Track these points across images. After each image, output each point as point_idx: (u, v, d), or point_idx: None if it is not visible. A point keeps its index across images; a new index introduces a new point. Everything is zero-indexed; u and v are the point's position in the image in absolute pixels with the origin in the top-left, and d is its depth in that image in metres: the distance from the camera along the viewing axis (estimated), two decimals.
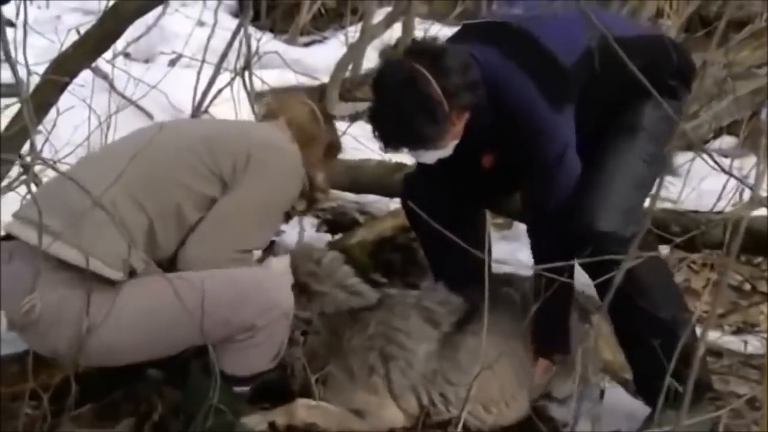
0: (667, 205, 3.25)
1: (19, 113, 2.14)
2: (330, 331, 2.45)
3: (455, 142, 2.37)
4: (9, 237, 2.13)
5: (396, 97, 2.27)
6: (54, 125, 2.73)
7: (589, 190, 2.38)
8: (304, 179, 2.34)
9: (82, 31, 2.59)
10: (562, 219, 2.35)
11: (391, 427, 2.44)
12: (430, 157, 2.40)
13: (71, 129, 3.14)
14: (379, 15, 4.84)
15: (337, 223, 3.56)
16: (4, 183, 2.24)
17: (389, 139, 2.32)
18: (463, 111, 2.30)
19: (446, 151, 2.38)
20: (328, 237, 3.43)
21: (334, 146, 2.49)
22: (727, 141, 4.30)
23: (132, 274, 2.08)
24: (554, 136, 2.34)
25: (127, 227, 2.06)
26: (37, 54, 3.38)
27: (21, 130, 2.18)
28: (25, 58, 2.05)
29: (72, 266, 2.01)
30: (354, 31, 5.02)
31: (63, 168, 2.05)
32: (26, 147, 2.43)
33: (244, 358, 2.14)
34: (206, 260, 2.14)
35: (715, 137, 4.29)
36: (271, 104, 2.53)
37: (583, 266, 2.29)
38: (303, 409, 2.38)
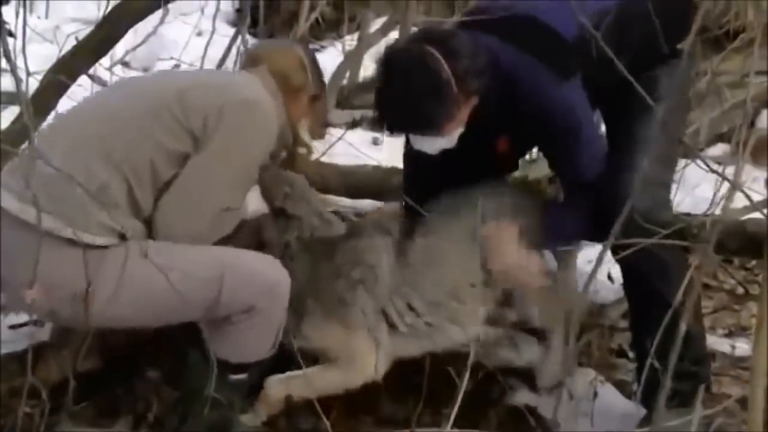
0: None
1: (20, 115, 2.16)
2: (306, 257, 2.41)
3: (459, 131, 2.33)
4: None
5: (405, 77, 2.23)
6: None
7: (617, 174, 2.35)
8: (285, 132, 2.28)
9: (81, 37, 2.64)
10: (594, 191, 2.34)
11: (362, 378, 2.38)
12: (433, 145, 2.35)
13: None
14: (376, 24, 4.87)
15: None
16: None
17: (395, 120, 2.29)
18: (471, 96, 2.27)
19: (450, 140, 2.34)
20: None
21: (319, 98, 2.41)
22: (721, 148, 4.33)
23: (122, 238, 2.04)
24: (566, 108, 2.29)
25: (108, 190, 2.02)
26: (37, 62, 3.40)
27: (21, 130, 2.20)
28: (25, 60, 2.06)
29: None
30: (351, 40, 5.04)
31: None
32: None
33: (242, 343, 2.14)
34: (183, 225, 2.10)
35: (710, 144, 4.32)
36: (256, 50, 2.42)
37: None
38: (274, 387, 2.35)
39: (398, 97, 2.24)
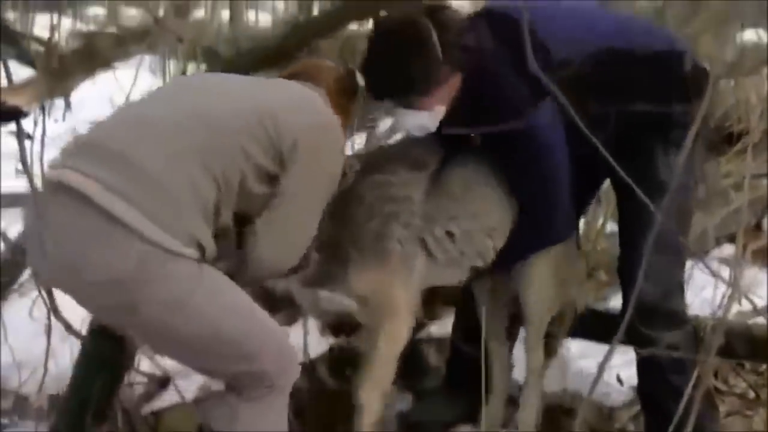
0: None
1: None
2: (339, 203, 2.37)
3: (440, 109, 2.38)
4: None
5: (392, 39, 2.31)
6: None
7: (624, 261, 2.43)
8: None
9: None
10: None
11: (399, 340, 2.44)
12: (416, 121, 2.42)
13: None
14: None
15: (341, 325, 3.57)
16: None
17: (380, 82, 2.34)
18: (455, 71, 2.31)
19: (432, 118, 2.39)
20: (331, 340, 3.43)
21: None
22: (728, 249, 4.32)
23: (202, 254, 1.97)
24: (531, 123, 2.32)
25: (202, 199, 1.95)
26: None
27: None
28: (42, 168, 2.10)
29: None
30: None
31: None
32: None
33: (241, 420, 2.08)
34: (282, 257, 2.15)
35: (717, 244, 4.32)
36: (310, 69, 2.39)
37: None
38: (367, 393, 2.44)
39: (384, 57, 2.31)
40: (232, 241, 2.11)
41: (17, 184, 4.18)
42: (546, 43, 2.29)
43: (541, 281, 2.66)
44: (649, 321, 2.31)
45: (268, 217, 2.10)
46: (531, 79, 2.23)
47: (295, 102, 2.19)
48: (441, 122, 2.44)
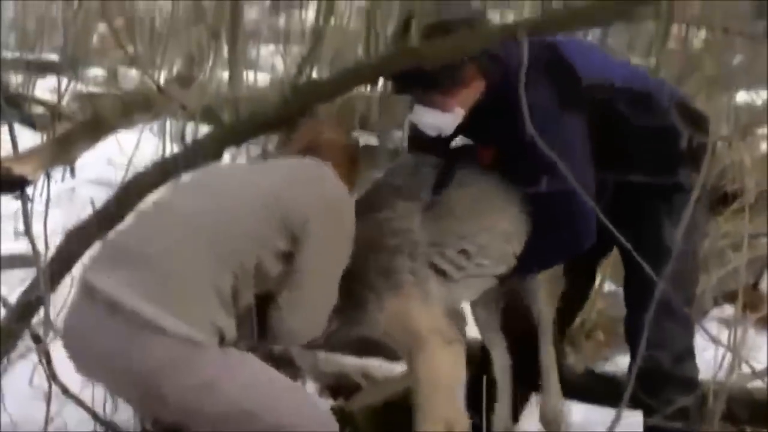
0: None
1: (34, 283, 2.21)
2: None
3: (460, 113, 2.39)
4: None
5: (424, 34, 2.34)
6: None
7: (630, 324, 2.45)
8: None
9: (97, 202, 2.72)
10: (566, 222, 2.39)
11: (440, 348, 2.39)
12: (435, 121, 2.41)
13: None
14: None
15: (340, 387, 3.55)
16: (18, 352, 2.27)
17: (403, 74, 2.32)
18: (479, 74, 2.34)
19: (451, 120, 2.40)
20: (330, 401, 3.40)
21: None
22: (727, 310, 4.32)
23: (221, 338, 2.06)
24: (558, 133, 2.27)
25: (221, 290, 2.06)
26: (51, 225, 3.50)
27: (36, 298, 2.25)
28: (45, 233, 2.14)
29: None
30: None
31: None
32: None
33: None
34: (308, 330, 2.24)
35: (716, 304, 4.32)
36: (317, 143, 2.44)
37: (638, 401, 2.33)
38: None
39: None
40: (254, 319, 2.18)
41: (17, 246, 4.22)
42: (574, 66, 2.36)
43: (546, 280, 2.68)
44: (662, 387, 2.31)
45: (290, 294, 2.19)
46: (558, 98, 2.32)
47: (303, 181, 2.27)
48: (458, 127, 2.45)
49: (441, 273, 2.48)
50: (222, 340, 2.06)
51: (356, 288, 2.39)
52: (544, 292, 2.74)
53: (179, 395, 2.02)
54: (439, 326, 2.43)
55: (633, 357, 2.55)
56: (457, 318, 2.57)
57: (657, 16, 2.38)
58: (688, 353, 2.53)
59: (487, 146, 2.54)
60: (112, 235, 2.27)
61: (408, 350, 2.45)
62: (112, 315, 2.01)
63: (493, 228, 2.54)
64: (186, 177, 2.46)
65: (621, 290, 3.90)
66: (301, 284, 2.18)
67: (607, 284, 3.86)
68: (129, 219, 2.27)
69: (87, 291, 2.08)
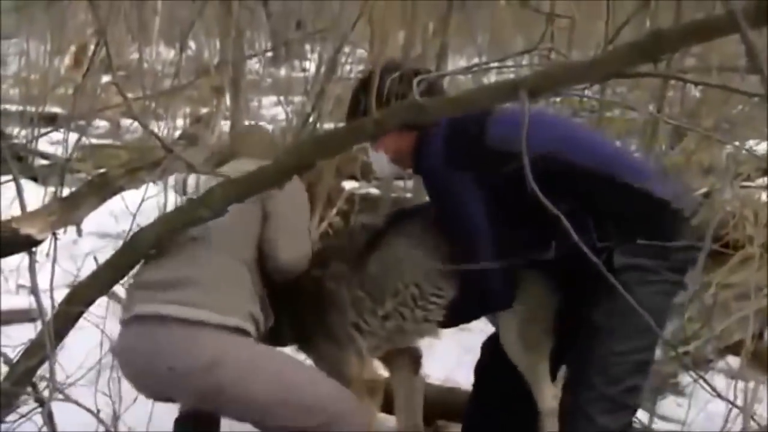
0: (674, 427, 3.23)
1: (40, 344, 2.21)
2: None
3: (383, 156, 2.69)
4: None
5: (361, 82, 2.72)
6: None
7: (578, 379, 2.48)
8: None
9: (99, 256, 2.73)
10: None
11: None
12: (372, 158, 2.75)
13: (83, 351, 3.16)
14: None
15: None
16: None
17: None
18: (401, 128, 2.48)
19: (378, 159, 2.72)
20: None
21: None
22: (732, 361, 4.29)
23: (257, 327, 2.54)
24: (447, 194, 2.51)
25: (245, 283, 2.55)
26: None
27: (40, 358, 2.24)
28: (51, 293, 2.16)
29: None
30: None
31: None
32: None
33: None
34: (297, 255, 2.69)
35: (720, 356, 4.29)
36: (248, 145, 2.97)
37: None
38: None
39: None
40: (267, 306, 2.67)
41: (18, 301, 4.22)
42: (484, 135, 2.51)
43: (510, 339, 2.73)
44: None
45: (272, 236, 2.65)
46: (454, 161, 2.48)
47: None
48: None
49: (359, 331, 2.72)
50: (257, 331, 2.52)
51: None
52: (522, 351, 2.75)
53: (234, 380, 2.39)
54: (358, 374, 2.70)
55: None
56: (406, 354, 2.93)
57: (656, 74, 2.38)
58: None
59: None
60: (140, 275, 2.60)
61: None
62: (168, 326, 2.39)
63: (426, 279, 2.70)
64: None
65: None
66: (277, 225, 2.65)
67: None
68: (156, 257, 2.60)
69: (135, 320, 2.45)
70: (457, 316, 2.75)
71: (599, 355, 2.43)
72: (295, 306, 2.74)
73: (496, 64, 2.80)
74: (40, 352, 2.19)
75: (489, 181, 2.46)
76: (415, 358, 3.01)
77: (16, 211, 2.69)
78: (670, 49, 1.79)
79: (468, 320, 2.86)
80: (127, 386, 2.97)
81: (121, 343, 2.52)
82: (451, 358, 3.17)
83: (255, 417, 2.52)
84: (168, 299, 2.42)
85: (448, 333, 2.92)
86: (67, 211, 2.32)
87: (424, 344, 3.72)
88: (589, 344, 2.45)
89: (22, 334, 3.57)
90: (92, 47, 7.00)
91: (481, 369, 2.94)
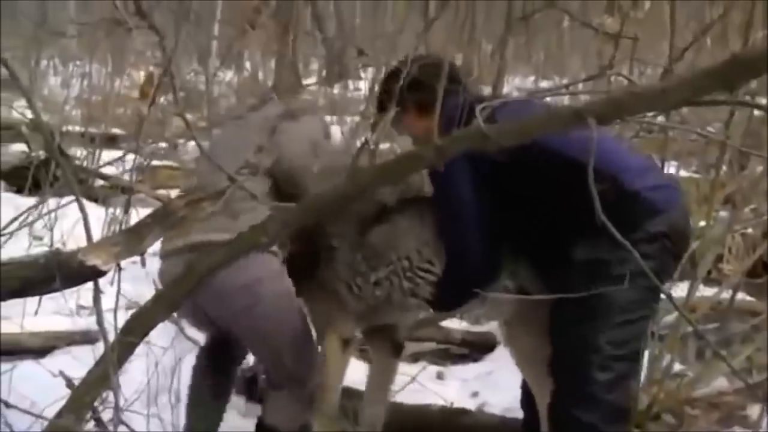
0: None
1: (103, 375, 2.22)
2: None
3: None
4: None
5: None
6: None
7: (563, 373, 2.52)
8: None
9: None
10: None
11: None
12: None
13: (140, 373, 3.20)
14: None
15: None
16: None
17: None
18: (420, 111, 2.71)
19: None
20: None
21: None
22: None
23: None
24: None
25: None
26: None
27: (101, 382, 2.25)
28: (115, 323, 2.17)
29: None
30: None
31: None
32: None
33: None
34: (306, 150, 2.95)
35: None
36: None
37: None
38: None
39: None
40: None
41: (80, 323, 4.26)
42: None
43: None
44: None
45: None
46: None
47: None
48: None
49: (351, 292, 2.86)
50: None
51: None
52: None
53: (272, 299, 2.72)
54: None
55: None
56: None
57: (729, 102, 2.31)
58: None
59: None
60: None
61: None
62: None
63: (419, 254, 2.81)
64: None
65: (688, 370, 3.84)
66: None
67: (677, 365, 3.73)
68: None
69: (177, 251, 2.71)
70: (443, 294, 2.78)
71: (572, 351, 2.49)
72: (303, 254, 2.85)
73: (563, 90, 2.72)
74: (103, 383, 2.19)
75: (484, 166, 2.53)
76: (396, 344, 3.12)
77: (78, 233, 2.74)
78: (750, 75, 1.71)
79: (454, 301, 2.86)
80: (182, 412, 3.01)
81: (167, 271, 2.76)
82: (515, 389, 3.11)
83: (261, 345, 2.84)
84: (206, 228, 2.66)
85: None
86: (132, 242, 2.32)
87: (485, 369, 3.71)
88: (562, 340, 2.52)
89: (82, 354, 3.64)
90: (156, 80, 7.10)
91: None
